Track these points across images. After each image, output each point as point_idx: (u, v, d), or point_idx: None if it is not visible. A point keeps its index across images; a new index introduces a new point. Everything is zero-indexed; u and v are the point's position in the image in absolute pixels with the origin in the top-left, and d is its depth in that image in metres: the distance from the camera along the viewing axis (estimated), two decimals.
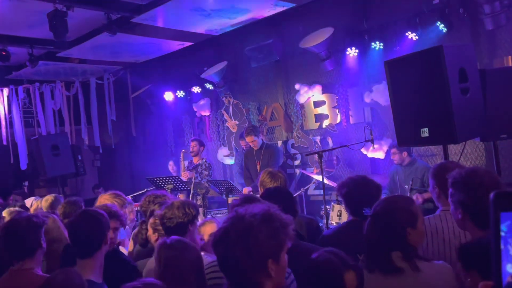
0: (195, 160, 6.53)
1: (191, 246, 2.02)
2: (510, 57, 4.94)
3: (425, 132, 3.17)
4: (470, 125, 3.13)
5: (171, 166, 7.71)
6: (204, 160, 6.44)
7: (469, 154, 5.18)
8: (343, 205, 3.52)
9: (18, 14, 5.70)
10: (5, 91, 8.16)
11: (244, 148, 6.53)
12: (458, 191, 1.88)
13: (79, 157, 7.27)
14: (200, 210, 5.61)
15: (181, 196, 5.94)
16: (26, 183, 9.25)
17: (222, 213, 5.85)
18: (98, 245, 2.19)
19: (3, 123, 8.07)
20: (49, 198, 4.08)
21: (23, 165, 8.07)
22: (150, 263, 2.54)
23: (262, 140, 5.97)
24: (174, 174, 7.29)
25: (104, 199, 3.17)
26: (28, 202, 5.12)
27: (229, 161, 7.60)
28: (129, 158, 9.60)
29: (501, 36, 4.99)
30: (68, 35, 5.70)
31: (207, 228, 2.88)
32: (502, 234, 0.76)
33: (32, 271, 2.28)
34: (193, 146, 6.48)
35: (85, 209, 2.58)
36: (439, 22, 5.04)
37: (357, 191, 2.62)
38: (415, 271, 1.84)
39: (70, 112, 8.70)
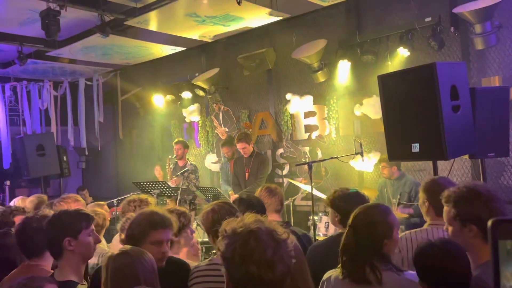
0: (181, 163, 6.46)
1: (144, 252, 1.97)
2: (497, 77, 5.04)
3: (415, 147, 3.21)
4: (460, 142, 3.18)
5: (157, 171, 7.62)
6: (189, 163, 6.38)
7: (455, 170, 5.25)
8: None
9: (9, 11, 5.62)
10: None
11: (226, 156, 6.51)
12: (466, 207, 1.84)
13: (64, 158, 7.17)
14: None
15: (170, 202, 5.88)
16: (7, 183, 9.06)
17: None
18: (58, 250, 2.15)
19: None
20: (34, 199, 4.02)
21: (6, 164, 7.91)
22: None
23: (253, 148, 5.97)
24: (161, 179, 7.22)
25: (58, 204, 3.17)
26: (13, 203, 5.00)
27: (217, 167, 7.57)
28: (115, 161, 9.48)
29: (490, 56, 5.10)
30: (59, 34, 5.63)
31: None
32: None
33: (40, 267, 2.28)
34: (178, 149, 6.42)
35: (56, 212, 2.54)
36: (430, 40, 5.13)
37: (347, 203, 2.63)
38: (379, 284, 1.92)
39: (57, 112, 8.58)
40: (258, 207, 2.80)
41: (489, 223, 0.79)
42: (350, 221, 2.07)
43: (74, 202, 3.21)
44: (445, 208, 1.93)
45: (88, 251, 2.20)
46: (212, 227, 2.28)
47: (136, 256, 1.89)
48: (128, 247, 1.99)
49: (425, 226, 2.56)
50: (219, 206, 2.41)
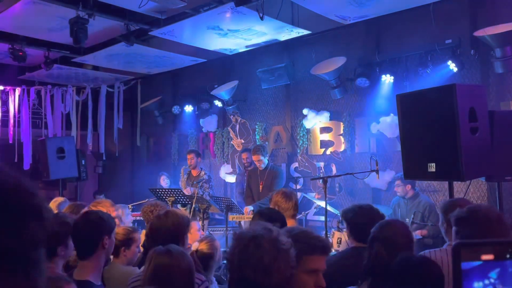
0: (194, 173, 6.53)
1: (185, 255, 2.06)
2: None
3: (432, 167, 3.22)
4: (477, 164, 3.19)
5: (163, 180, 7.68)
6: (203, 173, 6.45)
7: (471, 193, 5.21)
8: (345, 232, 3.54)
9: (39, 17, 5.83)
10: (17, 90, 8.26)
11: (244, 162, 6.57)
12: (464, 227, 1.92)
13: (83, 162, 7.30)
14: (199, 223, 5.61)
15: (184, 210, 5.93)
16: None
17: (220, 230, 5.85)
18: (93, 248, 2.22)
19: (11, 122, 8.13)
20: (58, 199, 4.16)
21: (26, 165, 8.09)
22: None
23: (268, 161, 6.02)
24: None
25: (92, 206, 3.23)
26: None
27: (231, 178, 7.63)
28: (131, 167, 9.62)
29: (510, 80, 5.10)
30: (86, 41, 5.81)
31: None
32: (492, 280, 0.82)
33: (51, 270, 2.32)
34: (191, 158, 6.47)
35: (87, 211, 2.61)
36: (450, 61, 5.15)
37: (363, 217, 2.66)
38: None
39: (78, 117, 8.77)
40: (280, 222, 2.80)
41: (452, 246, 0.84)
42: (374, 235, 2.08)
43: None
44: (452, 228, 1.99)
45: (111, 250, 2.28)
46: None
47: (176, 259, 1.97)
48: (172, 246, 2.07)
49: (444, 246, 2.58)
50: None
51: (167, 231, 2.42)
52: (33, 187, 0.77)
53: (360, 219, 2.61)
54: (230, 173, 7.66)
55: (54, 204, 4.07)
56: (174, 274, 1.91)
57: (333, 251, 4.73)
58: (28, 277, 0.72)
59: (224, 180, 7.85)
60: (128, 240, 2.74)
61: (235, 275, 1.51)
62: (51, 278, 1.85)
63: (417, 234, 4.85)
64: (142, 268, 2.34)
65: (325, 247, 1.73)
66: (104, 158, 8.99)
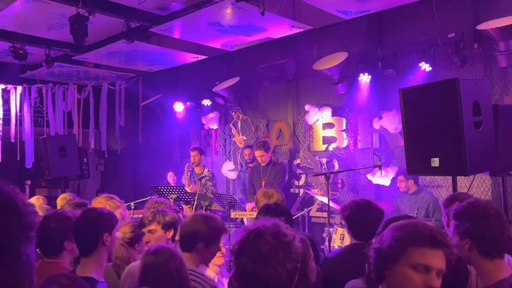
0: (198, 170, 6.52)
1: (174, 255, 2.04)
2: None
3: (435, 162, 3.19)
4: (481, 158, 3.15)
5: (170, 177, 7.67)
6: (206, 170, 6.44)
7: (475, 188, 5.18)
8: (346, 228, 3.53)
9: (39, 15, 5.80)
10: (19, 89, 8.25)
11: (246, 159, 6.56)
12: (463, 221, 1.91)
13: (85, 160, 7.30)
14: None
15: (187, 208, 5.93)
16: (29, 182, 9.26)
17: None
18: (93, 244, 2.21)
19: (13, 120, 8.13)
20: (67, 196, 4.15)
21: (29, 164, 8.09)
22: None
23: (270, 157, 6.00)
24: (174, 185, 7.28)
25: (98, 202, 3.21)
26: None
27: (233, 175, 7.62)
28: (134, 165, 9.62)
29: None
30: (86, 39, 5.79)
31: None
32: None
33: (59, 264, 2.34)
34: (194, 156, 6.47)
35: (87, 208, 2.60)
36: (453, 56, 5.11)
37: (360, 214, 2.64)
38: None
39: (80, 115, 8.76)
40: (286, 217, 2.77)
41: None
42: (382, 230, 2.06)
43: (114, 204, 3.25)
44: (451, 222, 1.99)
45: (114, 248, 2.26)
46: None
47: (162, 259, 1.96)
48: (161, 246, 2.05)
49: None
50: None
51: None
52: (8, 186, 0.83)
53: (356, 217, 2.59)
54: (232, 170, 7.64)
55: (63, 201, 4.06)
56: (160, 274, 1.91)
57: (336, 246, 4.72)
58: (7, 268, 0.77)
59: (226, 177, 7.83)
60: (138, 235, 2.76)
61: (236, 266, 1.49)
62: (73, 278, 1.78)
63: None
64: None
65: (432, 237, 1.41)
66: (106, 156, 8.98)
